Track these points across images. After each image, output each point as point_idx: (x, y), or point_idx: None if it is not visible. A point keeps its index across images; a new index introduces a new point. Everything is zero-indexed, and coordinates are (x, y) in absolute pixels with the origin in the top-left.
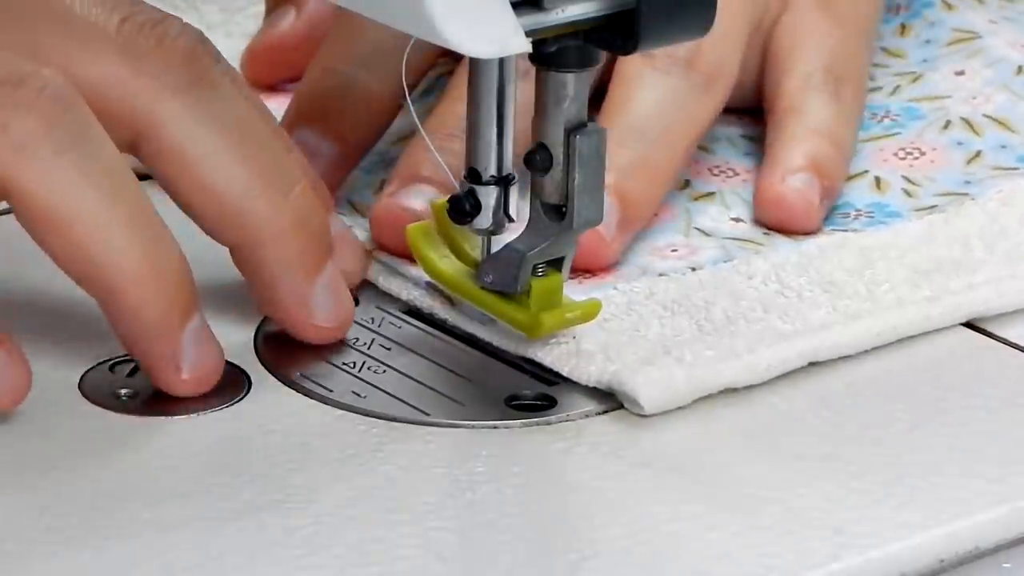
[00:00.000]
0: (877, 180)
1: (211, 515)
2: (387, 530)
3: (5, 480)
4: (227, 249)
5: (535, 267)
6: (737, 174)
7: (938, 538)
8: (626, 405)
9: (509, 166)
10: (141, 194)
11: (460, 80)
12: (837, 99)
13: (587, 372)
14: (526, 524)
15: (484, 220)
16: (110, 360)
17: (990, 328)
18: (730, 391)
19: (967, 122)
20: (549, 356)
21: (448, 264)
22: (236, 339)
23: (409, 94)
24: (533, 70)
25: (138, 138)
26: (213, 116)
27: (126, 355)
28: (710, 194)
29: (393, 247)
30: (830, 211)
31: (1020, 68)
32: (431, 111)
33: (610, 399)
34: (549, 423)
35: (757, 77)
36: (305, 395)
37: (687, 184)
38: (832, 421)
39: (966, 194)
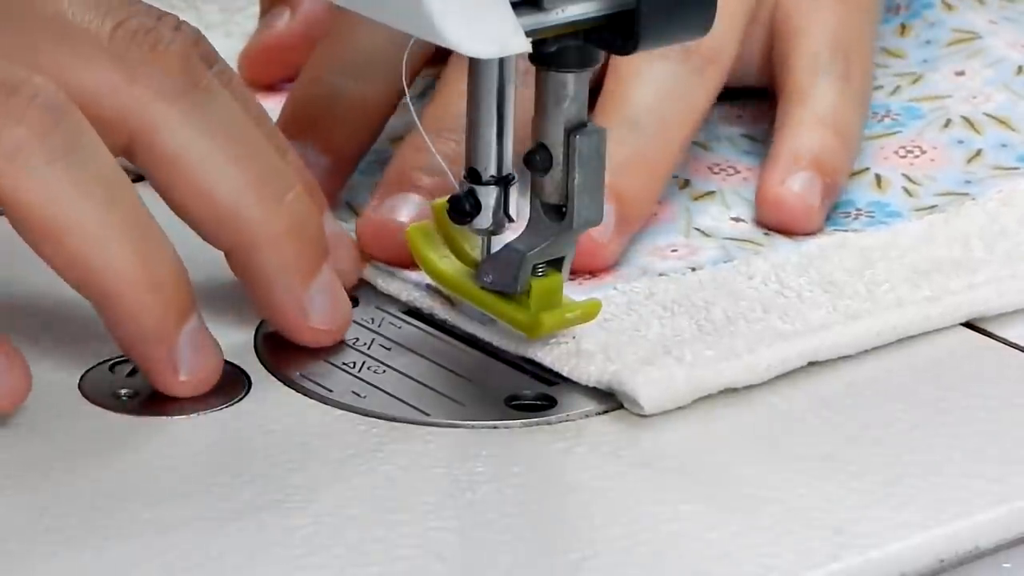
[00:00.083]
0: (878, 178)
1: (211, 515)
2: (387, 530)
3: (5, 480)
4: None
5: (535, 267)
6: (738, 172)
7: (938, 538)
8: (626, 405)
9: (509, 166)
10: (136, 199)
11: (451, 78)
12: (845, 80)
13: (587, 372)
14: (526, 524)
15: (484, 220)
16: (110, 360)
17: (990, 328)
18: (730, 391)
19: (968, 120)
20: (549, 356)
21: (448, 264)
22: (236, 339)
23: (399, 101)
24: (533, 71)
25: (132, 143)
26: (207, 121)
27: (126, 356)
28: (710, 193)
29: (383, 258)
30: (831, 209)
31: (1020, 68)
32: (420, 113)
33: (610, 399)
34: (549, 423)
35: (762, 57)
36: (305, 395)
37: (687, 183)
38: (832, 421)
39: (966, 194)
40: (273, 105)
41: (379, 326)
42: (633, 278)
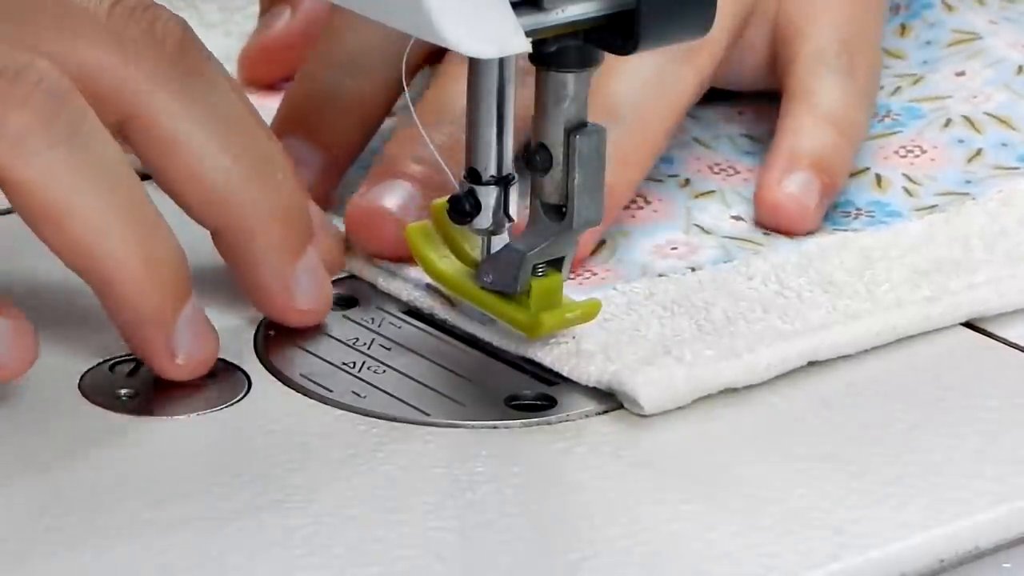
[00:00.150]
0: (878, 178)
1: (211, 515)
2: (387, 530)
3: (5, 480)
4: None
5: (535, 267)
6: (738, 172)
7: (938, 538)
8: (626, 405)
9: (509, 166)
10: (137, 184)
11: (446, 71)
12: (850, 76)
13: (587, 372)
14: (526, 524)
15: (484, 220)
16: (110, 360)
17: (990, 328)
18: (730, 391)
19: (968, 120)
20: (549, 356)
21: (448, 264)
22: (236, 339)
23: (397, 99)
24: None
25: (126, 122)
26: (200, 103)
27: (126, 355)
28: (710, 192)
29: (370, 247)
30: (831, 209)
31: (1021, 68)
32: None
33: (610, 399)
34: (549, 423)
35: (768, 58)
36: (305, 395)
37: (687, 182)
38: (832, 421)
39: (966, 194)
40: (273, 104)
41: (379, 326)
42: (633, 277)
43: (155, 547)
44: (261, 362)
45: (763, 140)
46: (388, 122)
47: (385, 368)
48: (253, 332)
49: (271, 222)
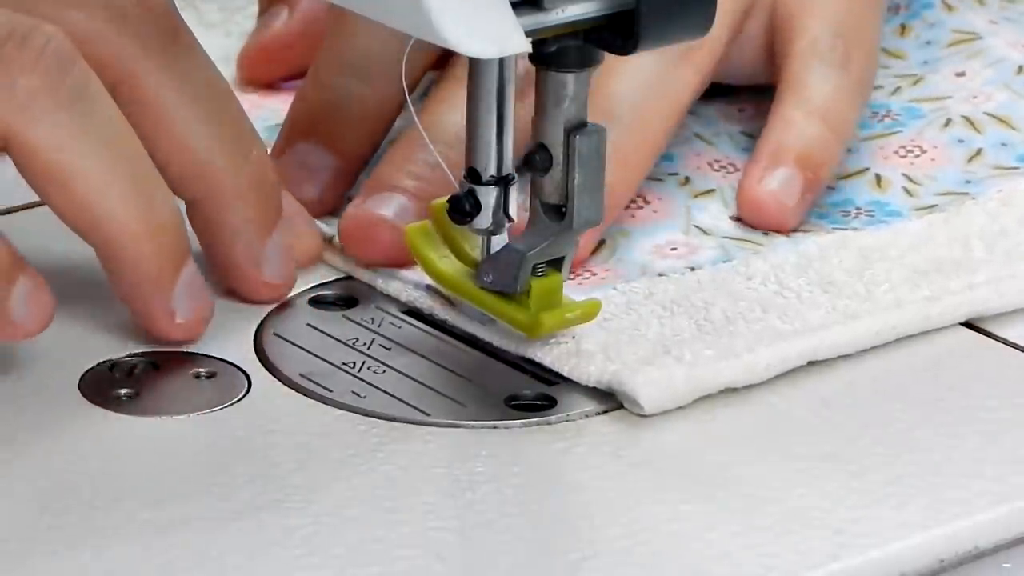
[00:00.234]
0: (878, 177)
1: (211, 515)
2: (387, 530)
3: (5, 480)
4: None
5: (535, 267)
6: (738, 169)
7: (938, 538)
8: (626, 405)
9: (509, 166)
10: (138, 147)
11: (446, 87)
12: (844, 68)
13: (587, 372)
14: (526, 524)
15: (484, 220)
16: (110, 360)
17: (990, 328)
18: (730, 391)
19: (968, 120)
20: (549, 356)
21: (448, 264)
22: (236, 339)
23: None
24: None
25: (116, 88)
26: (187, 75)
27: (126, 355)
28: (710, 191)
29: (366, 256)
30: (830, 208)
31: (1021, 68)
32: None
33: (610, 399)
34: (549, 423)
35: (765, 52)
36: (305, 395)
37: (687, 181)
38: (832, 421)
39: (966, 194)
40: (272, 104)
41: (379, 326)
42: (632, 277)
43: (155, 547)
44: (261, 362)
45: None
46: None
47: (385, 368)
48: (253, 332)
49: (248, 195)
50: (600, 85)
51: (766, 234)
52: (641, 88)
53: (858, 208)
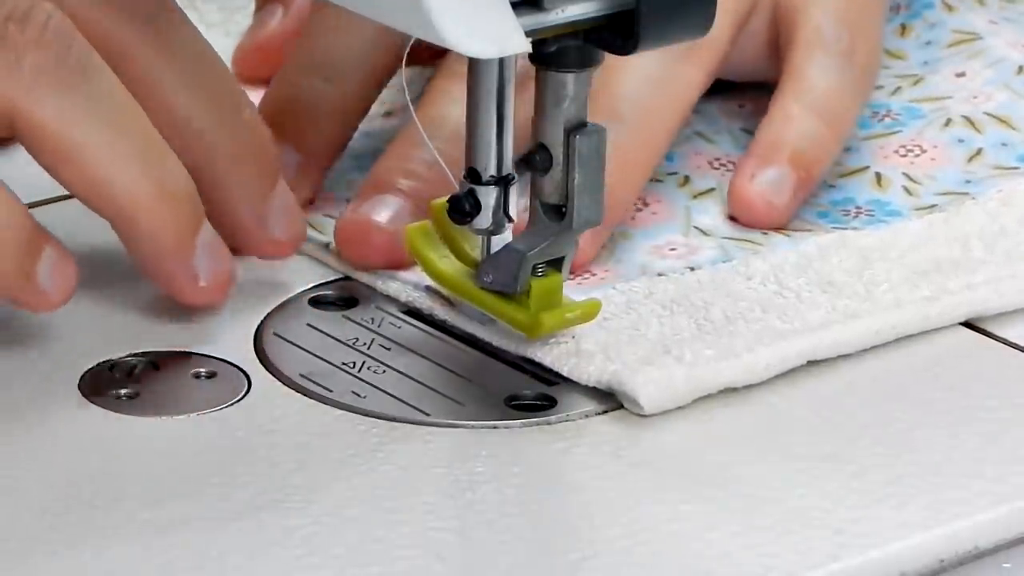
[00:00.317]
0: (878, 176)
1: (211, 515)
2: (387, 530)
3: (5, 480)
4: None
5: (535, 267)
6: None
7: (938, 538)
8: (626, 405)
9: (509, 166)
10: (143, 116)
11: (439, 85)
12: (848, 59)
13: (587, 372)
14: (526, 524)
15: (484, 220)
16: (110, 360)
17: (989, 328)
18: (730, 391)
19: (968, 119)
20: (549, 356)
21: (448, 264)
22: (236, 339)
23: (372, 102)
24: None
25: (107, 60)
26: (173, 46)
27: (126, 355)
28: (710, 191)
29: (361, 260)
30: (830, 207)
31: (1021, 68)
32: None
33: (610, 399)
34: (549, 423)
35: (768, 48)
36: (305, 395)
37: (687, 180)
38: (832, 421)
39: (966, 193)
40: None
41: (379, 326)
42: (632, 277)
43: (155, 547)
44: (261, 362)
45: None
46: (385, 123)
47: (385, 368)
48: (253, 332)
49: (245, 156)
50: (605, 85)
51: (766, 234)
52: (647, 88)
53: (858, 207)
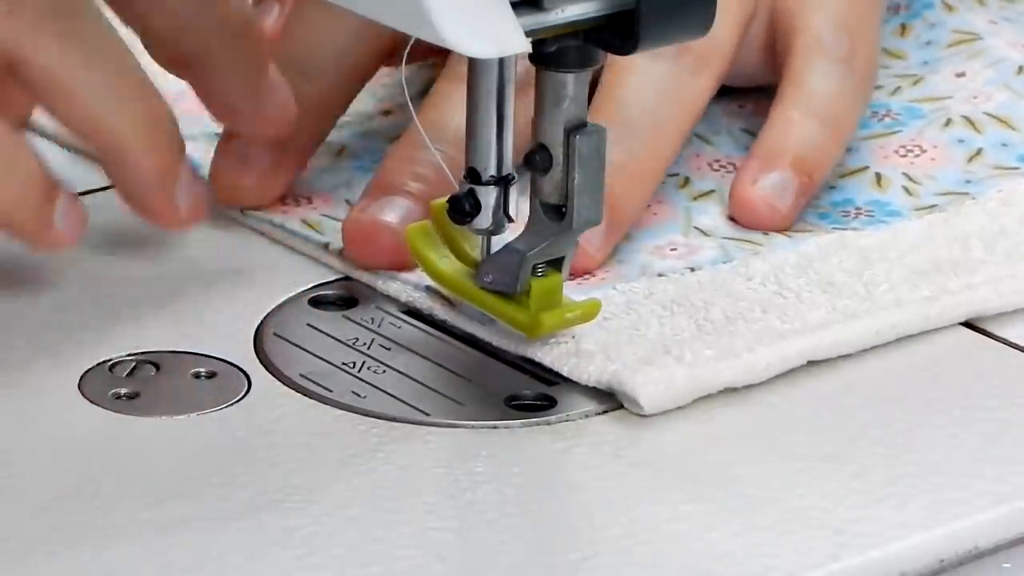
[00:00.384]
0: (878, 176)
1: (211, 515)
2: (387, 530)
3: (5, 480)
4: (225, 255)
5: (535, 267)
6: (737, 169)
7: (938, 538)
8: (626, 405)
9: (509, 166)
10: (129, 53)
11: (443, 89)
12: (848, 63)
13: (587, 372)
14: (526, 524)
15: (484, 220)
16: (110, 360)
17: (989, 328)
18: (730, 391)
19: (968, 120)
20: (549, 356)
21: (448, 264)
22: (236, 339)
23: (352, 99)
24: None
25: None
26: (82, 45)
27: (126, 355)
28: (710, 192)
29: (368, 260)
30: (830, 208)
31: (1021, 68)
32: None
33: (610, 399)
34: (549, 423)
35: (765, 52)
36: (305, 395)
37: (687, 182)
38: (832, 421)
39: (966, 194)
40: None
41: (379, 326)
42: (632, 277)
43: (155, 547)
44: (261, 362)
45: None
46: (384, 121)
47: (385, 368)
48: (253, 332)
49: (148, 144)
50: (612, 93)
51: (766, 234)
52: (658, 98)
53: (858, 208)
